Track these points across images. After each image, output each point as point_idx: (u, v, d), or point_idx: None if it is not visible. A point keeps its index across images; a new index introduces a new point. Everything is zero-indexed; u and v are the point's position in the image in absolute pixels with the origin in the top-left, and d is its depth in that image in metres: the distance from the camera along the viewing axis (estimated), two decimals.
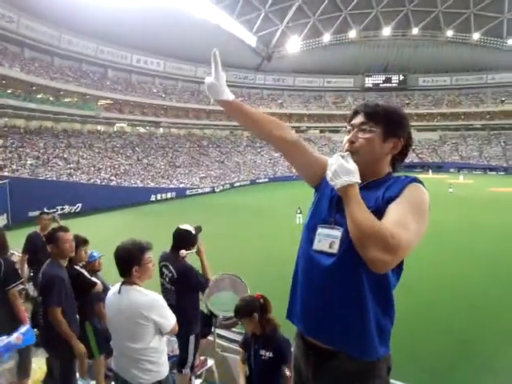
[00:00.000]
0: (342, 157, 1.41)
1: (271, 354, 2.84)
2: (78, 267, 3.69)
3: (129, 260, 2.42)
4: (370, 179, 1.49)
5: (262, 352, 2.86)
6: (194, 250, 3.54)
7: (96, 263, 4.09)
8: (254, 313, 2.85)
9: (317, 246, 1.49)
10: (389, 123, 1.49)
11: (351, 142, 1.51)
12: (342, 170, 1.37)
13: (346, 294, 1.42)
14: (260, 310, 2.89)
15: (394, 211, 1.33)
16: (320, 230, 1.50)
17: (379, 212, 1.34)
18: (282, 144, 1.65)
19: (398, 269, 1.43)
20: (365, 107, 1.54)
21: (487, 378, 6.72)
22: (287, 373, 2.74)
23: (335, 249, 1.43)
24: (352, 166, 1.38)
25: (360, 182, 1.38)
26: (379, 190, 1.43)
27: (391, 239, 1.22)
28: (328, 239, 1.46)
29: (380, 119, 1.49)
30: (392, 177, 1.51)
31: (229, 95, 1.58)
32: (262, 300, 2.95)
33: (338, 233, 1.44)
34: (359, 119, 1.52)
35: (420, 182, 1.43)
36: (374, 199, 1.40)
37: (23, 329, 3.01)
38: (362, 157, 1.47)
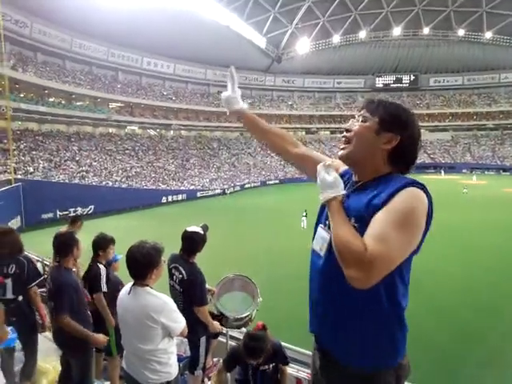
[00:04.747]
0: (326, 168, 1.40)
1: (273, 364, 2.90)
2: (101, 265, 3.79)
3: (149, 264, 2.40)
4: (367, 179, 1.45)
5: (265, 367, 2.87)
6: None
7: (117, 264, 4.16)
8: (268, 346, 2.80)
9: (313, 244, 1.52)
10: (385, 116, 1.44)
11: (347, 131, 1.51)
12: (324, 185, 1.38)
13: (334, 300, 1.41)
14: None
15: (376, 223, 1.26)
16: (318, 231, 1.53)
17: (363, 221, 1.30)
18: (294, 158, 1.75)
19: (400, 279, 1.34)
20: (367, 101, 1.54)
21: (491, 372, 6.67)
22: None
23: (323, 251, 1.43)
24: (332, 178, 1.38)
25: (345, 193, 1.38)
26: (371, 193, 1.36)
27: (364, 255, 1.17)
28: (320, 241, 1.47)
29: (377, 111, 1.46)
30: (391, 177, 1.40)
31: (243, 105, 1.76)
32: (265, 329, 2.91)
33: (327, 236, 1.44)
34: (361, 112, 1.52)
35: (418, 186, 1.31)
36: (361, 205, 1.35)
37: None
38: (354, 147, 1.46)
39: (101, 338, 3.25)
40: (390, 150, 1.44)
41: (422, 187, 1.31)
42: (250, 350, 2.70)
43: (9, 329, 3.08)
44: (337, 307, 1.41)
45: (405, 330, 1.42)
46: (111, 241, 3.95)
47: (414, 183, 1.32)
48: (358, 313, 1.36)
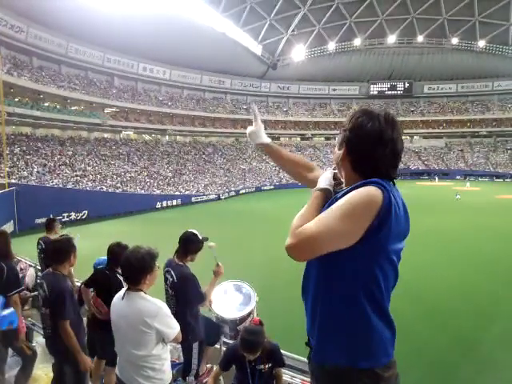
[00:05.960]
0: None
1: (269, 364, 2.92)
2: (121, 276, 3.66)
3: (143, 269, 2.38)
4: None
5: (261, 366, 2.89)
6: (217, 257, 3.66)
7: None
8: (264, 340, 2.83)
9: None
10: (343, 129, 1.46)
11: None
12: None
13: (311, 295, 1.46)
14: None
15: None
16: None
17: None
18: (309, 182, 1.78)
19: (366, 297, 1.32)
20: None
21: (486, 377, 6.69)
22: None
23: None
24: (323, 178, 1.52)
25: (324, 188, 1.47)
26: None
27: (295, 229, 1.28)
28: None
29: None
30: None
31: (266, 139, 1.92)
32: (262, 324, 2.92)
33: None
34: None
35: (374, 184, 1.27)
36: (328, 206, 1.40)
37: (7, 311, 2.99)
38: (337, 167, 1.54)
39: (88, 363, 3.14)
40: (351, 159, 1.41)
41: (379, 186, 1.27)
42: (248, 343, 2.74)
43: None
44: (312, 302, 1.45)
45: (372, 333, 1.35)
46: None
47: (371, 182, 1.29)
48: (330, 307, 1.38)
